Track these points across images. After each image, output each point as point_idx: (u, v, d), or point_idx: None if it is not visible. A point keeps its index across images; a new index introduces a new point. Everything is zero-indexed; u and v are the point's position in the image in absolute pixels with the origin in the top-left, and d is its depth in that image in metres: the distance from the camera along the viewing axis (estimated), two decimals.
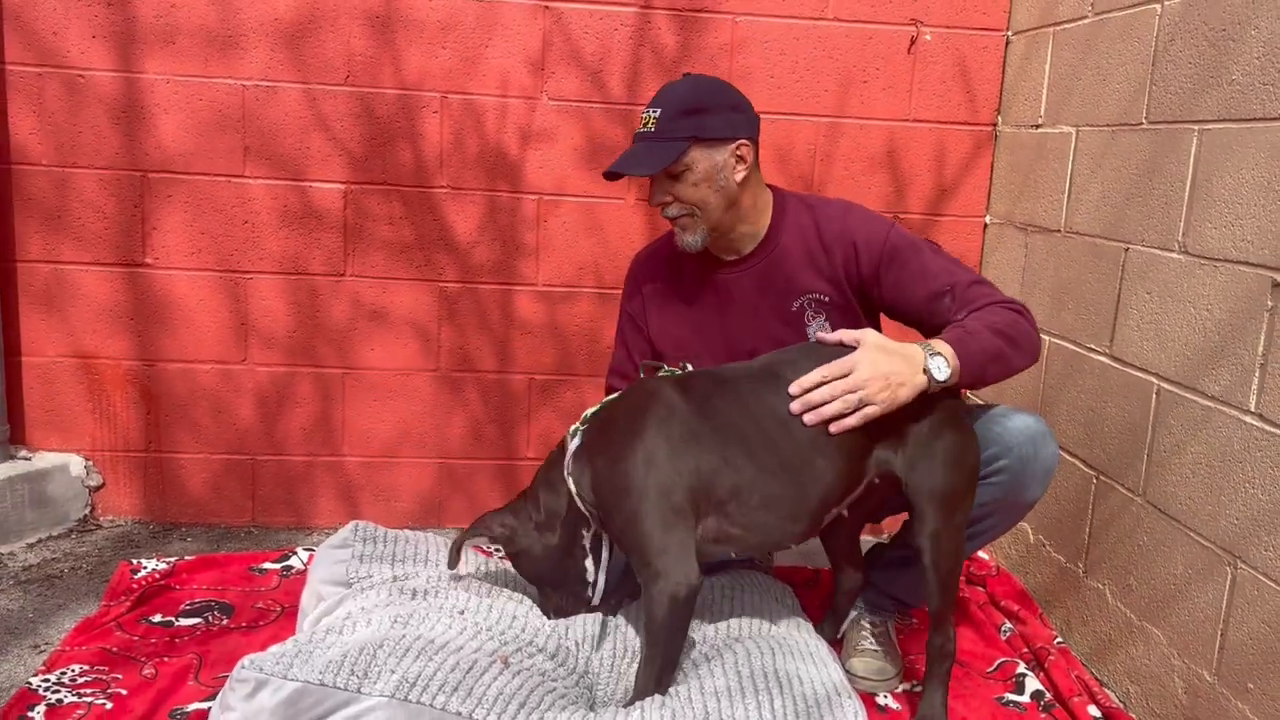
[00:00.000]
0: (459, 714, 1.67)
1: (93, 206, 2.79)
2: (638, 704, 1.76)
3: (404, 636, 1.76)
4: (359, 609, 1.96)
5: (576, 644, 1.99)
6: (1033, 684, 2.27)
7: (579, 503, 1.96)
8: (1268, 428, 1.81)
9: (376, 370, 2.94)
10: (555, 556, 2.02)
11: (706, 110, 2.11)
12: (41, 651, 2.22)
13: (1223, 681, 1.89)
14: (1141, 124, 2.24)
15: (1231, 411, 1.90)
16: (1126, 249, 2.28)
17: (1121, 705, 2.19)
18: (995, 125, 2.98)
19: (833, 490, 1.88)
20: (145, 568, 2.59)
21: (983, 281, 2.10)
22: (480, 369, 2.97)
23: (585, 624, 2.07)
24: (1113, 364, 2.31)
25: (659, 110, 2.12)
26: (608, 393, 2.43)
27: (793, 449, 1.85)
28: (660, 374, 2.02)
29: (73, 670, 2.11)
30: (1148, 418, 2.16)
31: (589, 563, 2.05)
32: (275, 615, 2.41)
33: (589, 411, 2.03)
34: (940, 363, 1.89)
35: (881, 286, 2.15)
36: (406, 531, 2.38)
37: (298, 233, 2.85)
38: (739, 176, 2.14)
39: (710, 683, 1.79)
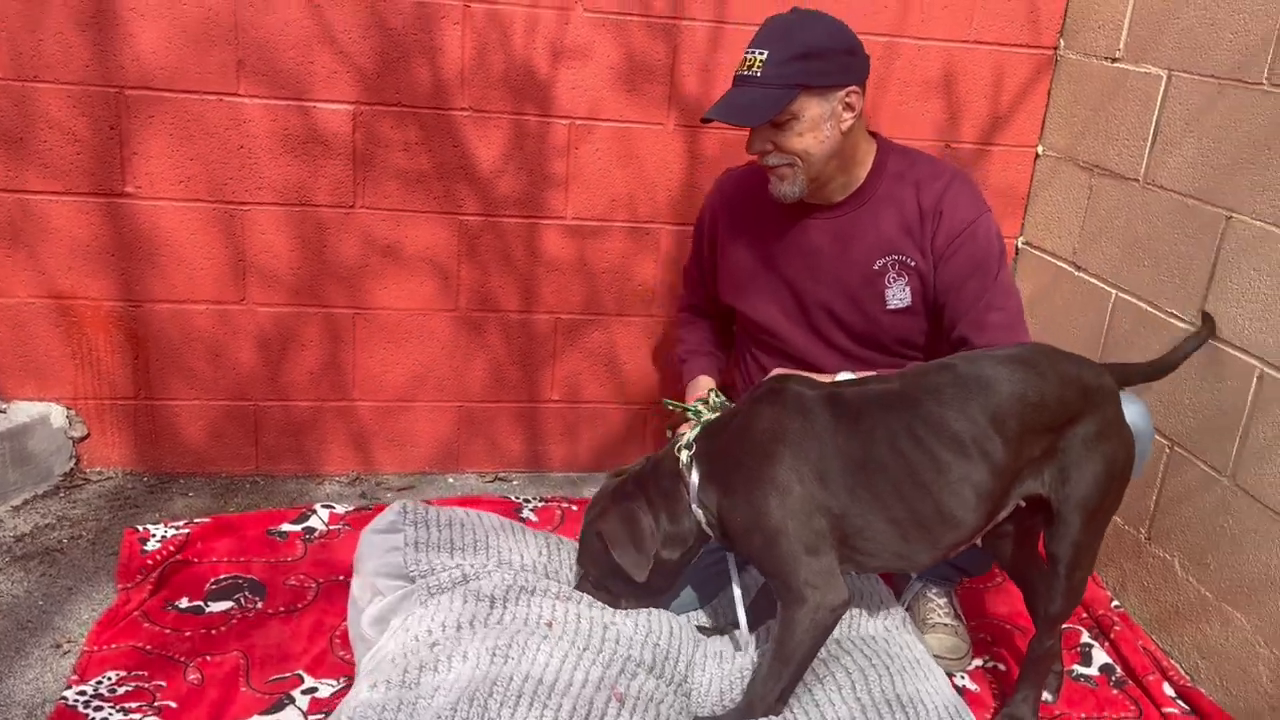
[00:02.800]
0: None
1: (61, 128, 2.41)
2: None
3: (510, 678, 1.62)
4: (439, 626, 1.80)
5: (670, 650, 1.89)
6: (1100, 656, 2.26)
7: (706, 530, 1.84)
8: None
9: (390, 310, 2.69)
10: (663, 570, 1.90)
11: (819, 55, 1.97)
12: (66, 653, 2.03)
13: None
14: (1262, 84, 2.08)
15: None
16: (1229, 217, 2.15)
17: (1190, 678, 2.21)
18: (1057, 49, 2.77)
19: (969, 532, 1.76)
20: (153, 536, 2.38)
21: (1014, 325, 2.06)
22: (503, 309, 2.75)
23: (670, 623, 1.96)
24: None
25: (766, 52, 1.96)
26: (682, 306, 2.48)
27: (926, 495, 1.70)
28: (790, 382, 1.82)
29: (109, 678, 1.93)
30: (1244, 400, 2.09)
31: (736, 591, 1.93)
32: (312, 595, 2.25)
33: (693, 432, 1.86)
34: None
35: (939, 267, 2.09)
36: (459, 511, 2.21)
37: (301, 160, 2.53)
38: (845, 126, 2.02)
39: (831, 712, 1.71)
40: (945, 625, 2.23)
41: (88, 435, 2.66)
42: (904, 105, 2.75)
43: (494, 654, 1.69)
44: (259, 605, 2.20)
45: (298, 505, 2.61)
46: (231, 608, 2.18)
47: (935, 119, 2.78)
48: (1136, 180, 2.45)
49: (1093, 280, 2.60)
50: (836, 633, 1.96)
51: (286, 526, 2.51)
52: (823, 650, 1.89)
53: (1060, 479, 1.77)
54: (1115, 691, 2.16)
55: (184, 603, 2.18)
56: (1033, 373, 1.74)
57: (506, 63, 2.55)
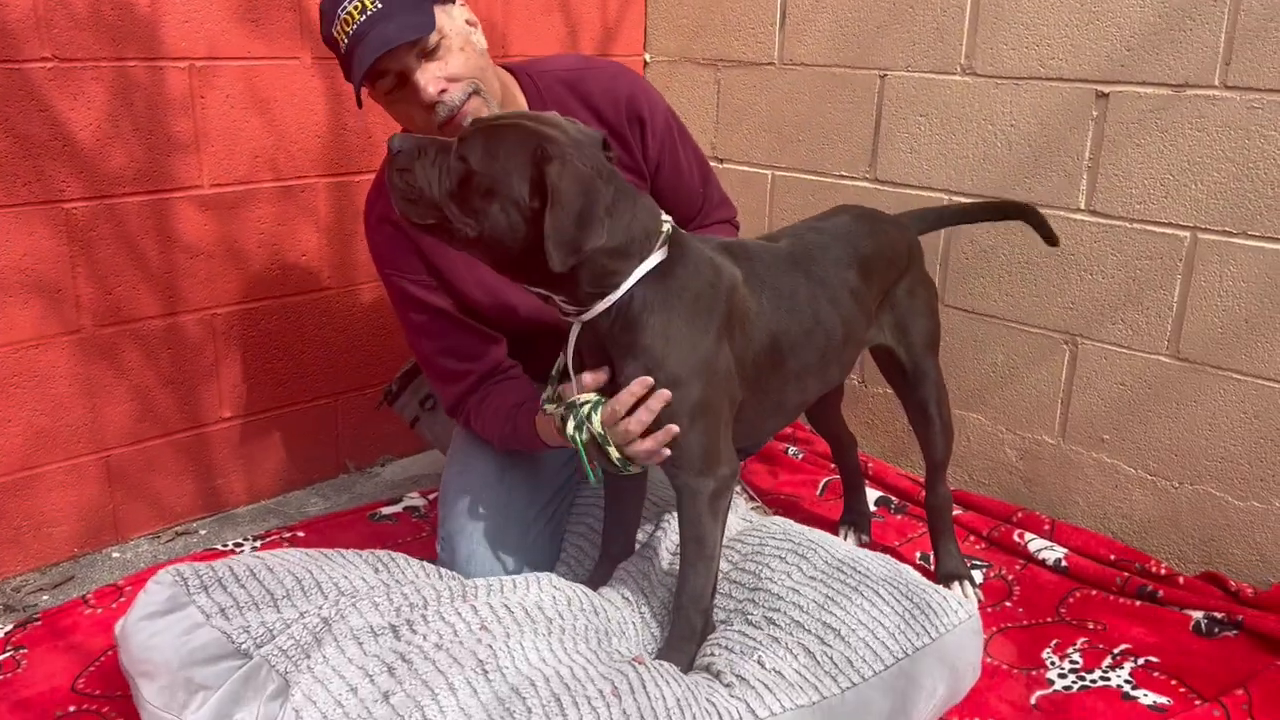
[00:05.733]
0: None
1: None
2: (766, 648, 1.53)
3: (534, 686, 1.29)
4: (362, 680, 1.37)
5: (597, 605, 1.65)
6: (871, 493, 2.43)
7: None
8: (1102, 221, 2.11)
9: None
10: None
11: None
12: None
13: (1070, 440, 2.24)
14: None
15: (1058, 212, 2.17)
16: (883, 76, 2.40)
17: None
18: None
19: (830, 388, 1.82)
20: None
21: (723, 201, 2.09)
22: (140, 317, 2.13)
23: (569, 586, 1.71)
24: (877, 186, 2.46)
25: None
26: (457, 403, 1.89)
27: (823, 348, 1.69)
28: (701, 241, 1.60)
29: None
30: (937, 232, 2.36)
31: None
32: None
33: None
34: None
35: (656, 172, 1.96)
36: (246, 558, 1.69)
37: None
38: (482, 44, 1.76)
39: (797, 598, 1.60)
40: (755, 508, 2.25)
41: None
42: (531, 20, 2.63)
43: (486, 672, 1.33)
44: None
45: None
46: None
47: (559, 34, 2.70)
48: (772, 64, 2.62)
49: (742, 168, 2.74)
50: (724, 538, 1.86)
51: None
52: (733, 556, 1.79)
53: (901, 332, 1.87)
54: (900, 517, 2.35)
55: None
56: (879, 230, 1.83)
57: None
